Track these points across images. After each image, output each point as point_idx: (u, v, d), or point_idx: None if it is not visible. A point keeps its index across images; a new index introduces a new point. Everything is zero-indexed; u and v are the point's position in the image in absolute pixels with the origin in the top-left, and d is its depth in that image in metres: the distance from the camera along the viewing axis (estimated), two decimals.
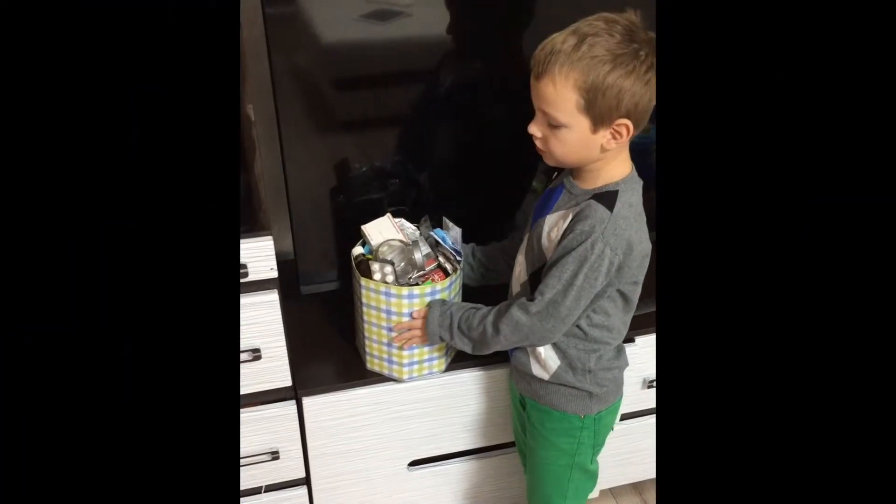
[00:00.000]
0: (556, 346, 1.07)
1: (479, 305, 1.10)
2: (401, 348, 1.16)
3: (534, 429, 1.17)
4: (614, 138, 0.94)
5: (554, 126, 0.95)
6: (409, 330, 1.14)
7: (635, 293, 1.05)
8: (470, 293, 1.21)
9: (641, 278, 1.04)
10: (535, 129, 0.98)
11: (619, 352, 1.12)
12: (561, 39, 0.91)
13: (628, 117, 0.92)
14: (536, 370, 1.10)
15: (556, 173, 1.11)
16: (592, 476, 1.20)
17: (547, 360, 1.08)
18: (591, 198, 0.98)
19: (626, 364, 1.13)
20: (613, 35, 0.89)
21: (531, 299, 1.01)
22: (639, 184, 1.01)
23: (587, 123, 0.93)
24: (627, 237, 0.96)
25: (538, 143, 0.99)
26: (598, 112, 0.91)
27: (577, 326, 1.04)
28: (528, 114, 0.99)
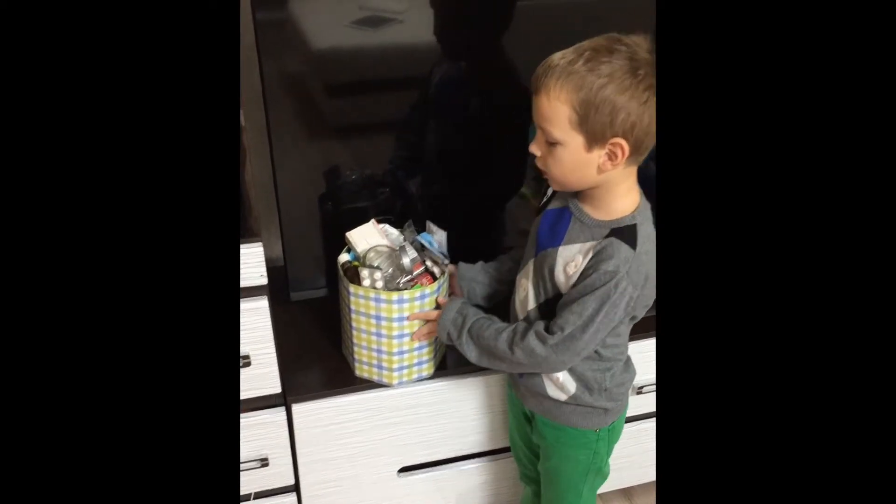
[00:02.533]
0: (572, 370, 1.06)
1: (493, 317, 1.09)
2: (390, 337, 1.16)
3: (548, 444, 1.16)
4: (610, 159, 0.92)
5: (551, 144, 0.93)
6: (427, 323, 1.14)
7: (644, 312, 1.04)
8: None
9: (652, 301, 1.03)
10: (535, 149, 0.97)
11: (627, 364, 1.13)
12: (560, 55, 0.91)
13: (624, 137, 0.90)
14: (553, 392, 1.09)
15: (547, 187, 1.10)
16: (606, 474, 1.20)
17: (565, 383, 1.07)
18: (610, 233, 0.96)
19: (635, 374, 1.14)
20: (612, 52, 0.88)
21: (550, 332, 1.00)
22: (649, 209, 1.00)
23: (581, 140, 0.91)
24: (646, 271, 0.96)
25: (538, 164, 0.98)
26: (592, 129, 0.90)
27: (594, 351, 1.04)
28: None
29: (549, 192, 1.10)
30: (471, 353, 1.09)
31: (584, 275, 0.97)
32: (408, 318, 1.14)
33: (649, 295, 1.01)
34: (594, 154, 0.92)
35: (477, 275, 1.22)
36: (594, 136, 0.91)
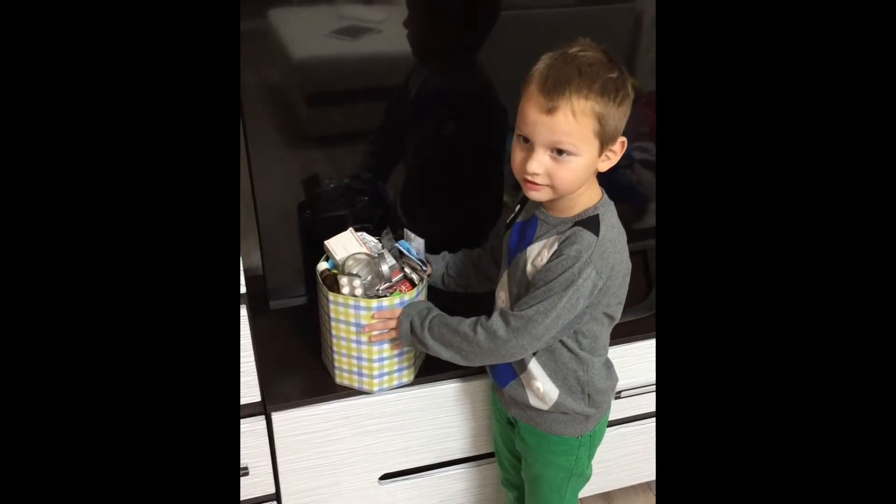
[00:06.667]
0: (553, 377, 1.07)
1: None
2: (370, 344, 1.16)
3: (530, 449, 1.17)
4: (609, 159, 0.98)
5: (569, 154, 0.94)
6: (387, 321, 1.13)
7: (619, 311, 1.07)
8: (446, 301, 1.21)
9: (624, 297, 1.05)
10: (537, 167, 0.95)
11: (609, 370, 1.14)
12: (566, 71, 0.92)
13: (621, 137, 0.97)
14: (535, 402, 1.10)
15: (521, 198, 1.11)
16: (588, 476, 1.21)
17: (546, 393, 1.08)
18: (575, 224, 0.99)
19: (617, 380, 1.15)
20: (605, 64, 0.94)
21: (512, 312, 1.01)
22: (612, 204, 1.03)
23: (597, 147, 0.95)
24: (612, 261, 0.98)
25: (538, 180, 0.96)
26: (606, 136, 0.95)
27: (569, 350, 1.06)
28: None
29: (517, 208, 1.12)
30: (428, 341, 1.07)
31: (550, 261, 0.99)
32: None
33: (618, 289, 1.03)
34: (600, 158, 0.97)
35: (437, 261, 1.25)
36: (605, 143, 0.96)
